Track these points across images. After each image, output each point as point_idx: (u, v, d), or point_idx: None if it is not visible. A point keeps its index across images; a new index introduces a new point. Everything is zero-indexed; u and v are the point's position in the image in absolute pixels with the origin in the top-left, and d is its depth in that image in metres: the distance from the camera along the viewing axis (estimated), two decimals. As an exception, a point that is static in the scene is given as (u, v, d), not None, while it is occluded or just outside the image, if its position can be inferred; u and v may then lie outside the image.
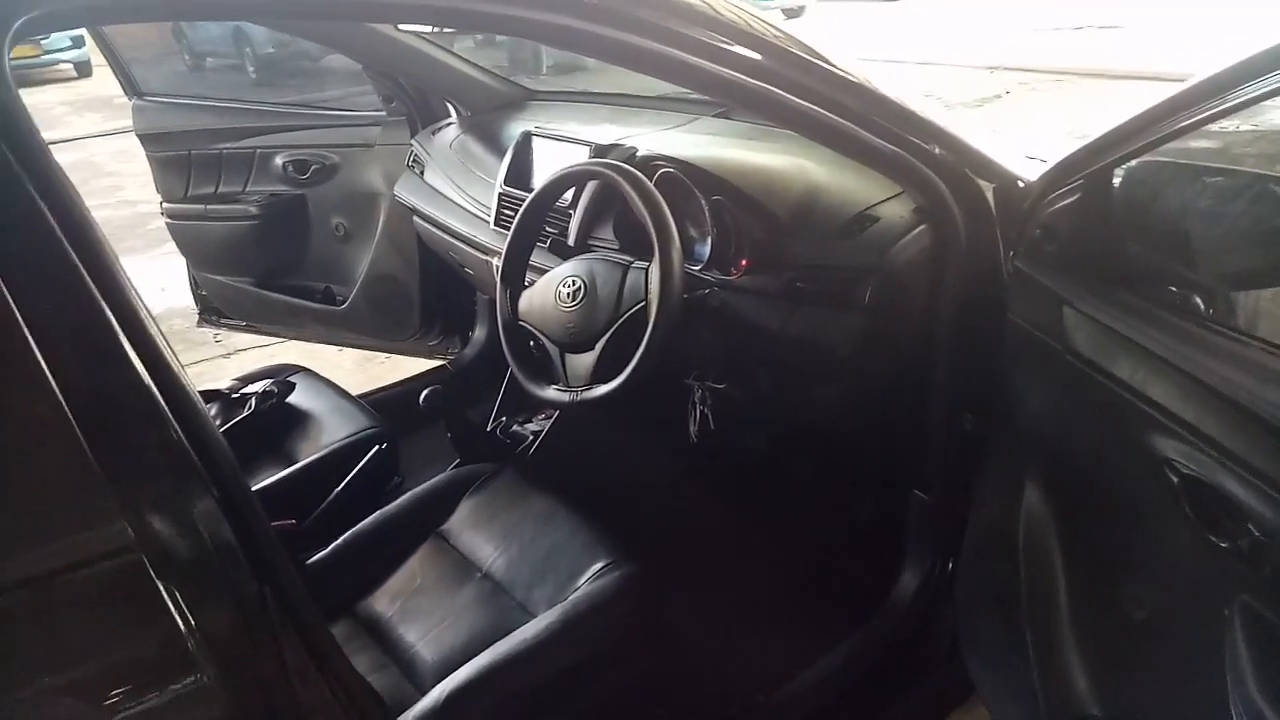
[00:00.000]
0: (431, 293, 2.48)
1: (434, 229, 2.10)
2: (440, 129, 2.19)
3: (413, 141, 2.23)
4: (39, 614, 0.62)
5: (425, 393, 1.78)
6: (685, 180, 1.42)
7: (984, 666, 1.28)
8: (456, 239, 1.99)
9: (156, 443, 0.66)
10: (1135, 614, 1.04)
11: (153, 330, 0.68)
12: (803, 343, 1.35)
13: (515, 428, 1.85)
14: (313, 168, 2.50)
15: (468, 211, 1.94)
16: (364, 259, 2.53)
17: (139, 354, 0.66)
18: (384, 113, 2.41)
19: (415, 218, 2.19)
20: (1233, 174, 1.00)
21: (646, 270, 1.32)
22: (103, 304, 0.65)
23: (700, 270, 1.42)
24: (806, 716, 1.39)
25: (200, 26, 8.12)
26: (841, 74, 1.16)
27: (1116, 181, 1.04)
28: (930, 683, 1.44)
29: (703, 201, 1.40)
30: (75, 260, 0.64)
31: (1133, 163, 1.00)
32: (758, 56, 1.09)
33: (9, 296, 0.60)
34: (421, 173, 2.16)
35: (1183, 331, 0.95)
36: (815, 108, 1.14)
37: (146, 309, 0.68)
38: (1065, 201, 1.08)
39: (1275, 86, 0.81)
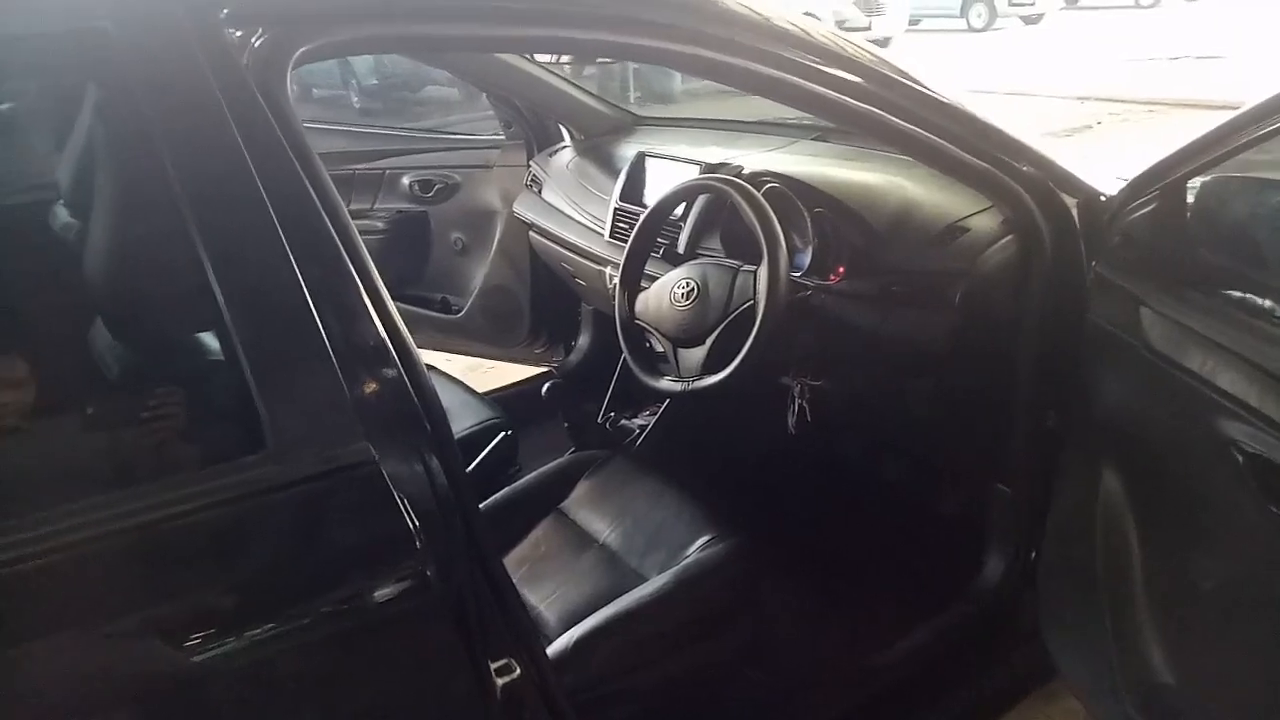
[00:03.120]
0: (540, 303, 2.67)
1: (550, 243, 2.29)
2: (556, 151, 2.39)
3: (531, 163, 2.43)
4: (304, 506, 0.80)
5: (547, 385, 1.96)
6: (789, 194, 1.57)
7: (1064, 644, 1.38)
8: (572, 251, 2.18)
9: (389, 383, 0.84)
10: (1204, 585, 1.14)
11: (387, 299, 0.86)
12: (896, 341, 1.48)
13: (624, 421, 2.02)
14: (436, 187, 2.74)
15: (583, 226, 2.13)
16: (480, 271, 2.74)
17: (379, 316, 0.85)
18: (503, 136, 2.64)
19: (531, 232, 2.39)
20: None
21: (755, 273, 1.47)
22: (356, 278, 0.84)
23: (801, 276, 1.57)
24: (889, 689, 1.50)
25: (312, 60, 8.65)
26: (933, 95, 1.30)
27: (1190, 192, 1.16)
28: (1012, 663, 1.53)
29: (805, 213, 1.55)
30: (338, 245, 0.83)
31: (1204, 176, 1.12)
32: (857, 79, 1.24)
33: (297, 270, 0.79)
34: (539, 191, 2.36)
35: (1249, 326, 1.06)
36: (911, 126, 1.27)
37: (383, 284, 0.87)
38: (1142, 211, 1.20)
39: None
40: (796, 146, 1.96)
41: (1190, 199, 1.17)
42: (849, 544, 1.64)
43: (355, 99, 8.02)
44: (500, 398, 2.39)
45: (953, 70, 10.37)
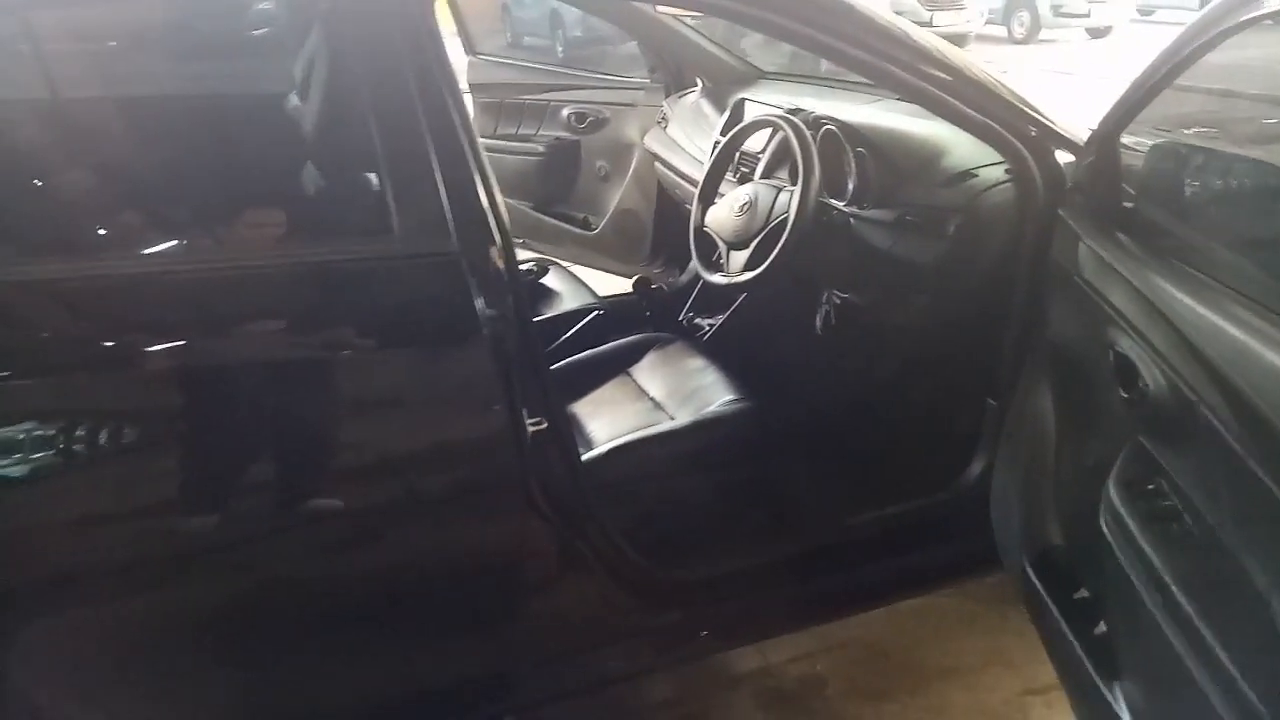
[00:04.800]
0: (662, 228, 3.07)
1: (669, 171, 2.70)
2: (685, 94, 2.79)
3: (664, 103, 2.84)
4: (410, 271, 1.26)
5: (636, 278, 2.39)
6: (839, 135, 1.90)
7: (996, 518, 1.68)
8: (682, 178, 2.57)
9: (476, 213, 1.28)
10: (1086, 463, 1.42)
11: (485, 166, 1.30)
12: (902, 261, 1.80)
13: (698, 320, 2.42)
14: (589, 119, 3.19)
15: (693, 157, 2.52)
16: (615, 195, 3.18)
17: (479, 174, 1.29)
18: (648, 80, 3.06)
19: (656, 163, 2.80)
20: (1198, 149, 1.35)
21: (793, 193, 1.82)
22: (466, 150, 1.28)
23: (845, 204, 1.90)
24: (868, 546, 1.83)
25: (526, 11, 9.36)
26: (958, 63, 1.60)
27: (1120, 148, 1.42)
28: (971, 543, 1.81)
29: (850, 152, 1.88)
30: (456, 125, 1.27)
31: (1128, 131, 1.39)
32: (899, 51, 1.55)
33: (429, 139, 1.24)
34: (666, 127, 2.76)
35: (1141, 258, 1.33)
36: (936, 89, 1.58)
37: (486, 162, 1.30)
38: (1087, 162, 1.47)
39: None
40: (880, 104, 2.25)
41: (1123, 153, 1.43)
42: (852, 428, 1.97)
43: (560, 49, 8.62)
44: (610, 298, 2.84)
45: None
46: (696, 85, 2.81)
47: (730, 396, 1.88)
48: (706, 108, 2.62)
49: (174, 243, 1.33)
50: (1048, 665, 1.67)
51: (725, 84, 2.71)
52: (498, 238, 1.31)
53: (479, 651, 1.51)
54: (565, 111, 3.24)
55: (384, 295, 1.28)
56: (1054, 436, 1.54)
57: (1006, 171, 1.69)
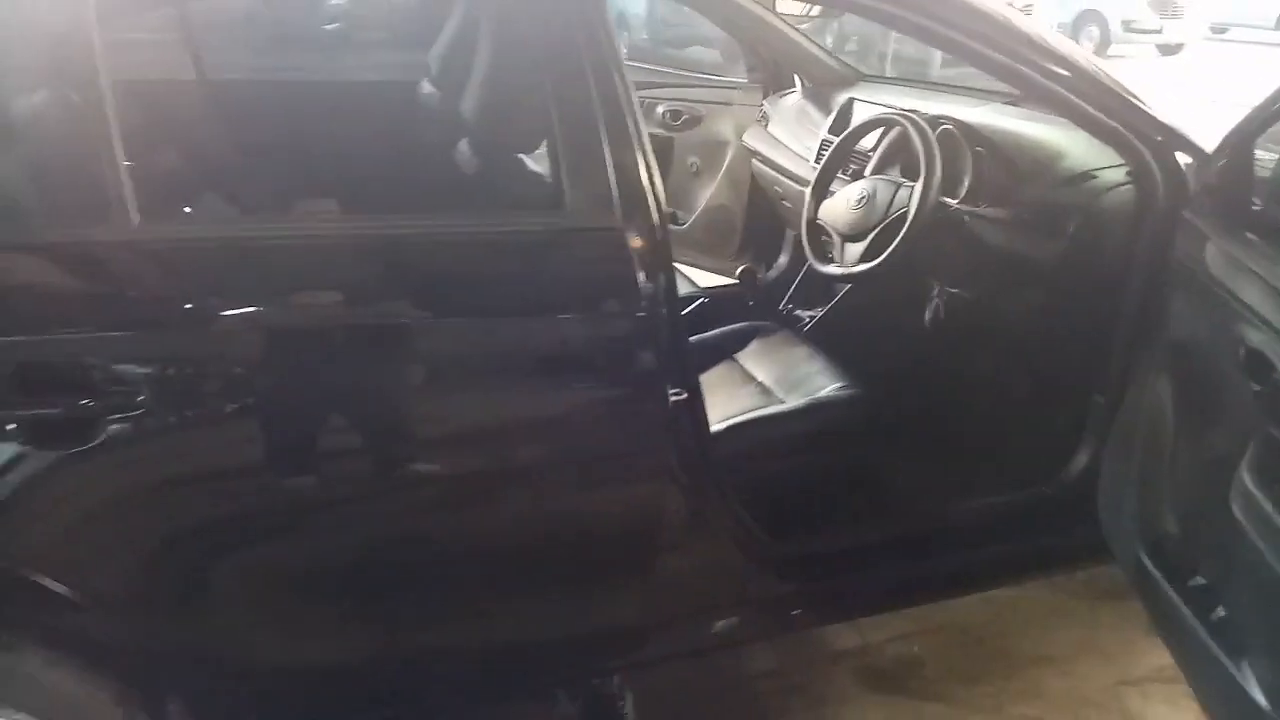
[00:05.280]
0: (752, 224, 3.15)
1: (768, 169, 2.77)
2: (786, 94, 2.86)
3: (764, 102, 2.92)
4: (580, 245, 1.35)
5: (741, 269, 2.46)
6: (958, 135, 1.96)
7: (1106, 507, 1.72)
8: (784, 175, 2.65)
9: (638, 192, 1.37)
10: (1208, 456, 1.47)
11: (648, 151, 1.38)
12: (1017, 258, 1.85)
13: (798, 312, 2.49)
14: (683, 117, 3.27)
15: (796, 154, 2.59)
16: (706, 191, 3.26)
17: (643, 162, 1.37)
18: (745, 80, 3.13)
19: (754, 160, 2.88)
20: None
21: (912, 189, 1.89)
22: (633, 137, 1.36)
23: (959, 201, 1.96)
24: (969, 533, 1.88)
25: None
26: (1086, 66, 1.65)
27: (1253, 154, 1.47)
28: (1073, 535, 1.86)
29: (968, 151, 1.94)
30: (625, 113, 1.36)
31: (1261, 137, 1.43)
32: (1034, 54, 1.62)
33: (602, 125, 1.33)
34: (766, 125, 2.84)
35: (1271, 256, 1.38)
36: (1063, 90, 1.64)
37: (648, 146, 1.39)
38: (1219, 165, 1.52)
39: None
40: (987, 107, 2.31)
41: (1253, 156, 1.48)
42: (956, 418, 2.03)
43: (624, 50, 8.77)
44: (712, 288, 2.92)
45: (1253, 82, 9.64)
46: (795, 85, 2.88)
47: (838, 383, 1.95)
48: (810, 108, 2.69)
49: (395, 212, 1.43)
50: (1142, 657, 1.72)
51: (826, 84, 2.77)
52: (655, 215, 1.40)
53: (610, 606, 1.59)
54: (660, 109, 3.32)
55: (553, 265, 1.37)
56: (1172, 430, 1.59)
57: (1128, 174, 1.73)
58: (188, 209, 1.41)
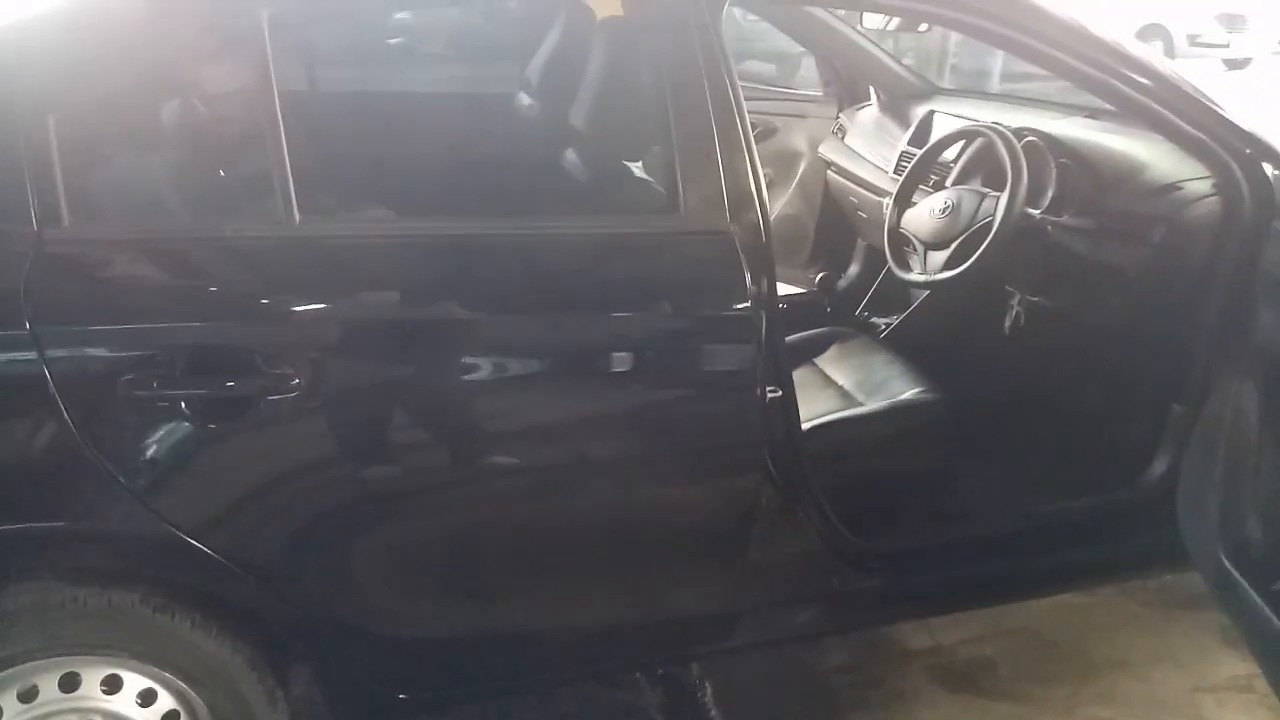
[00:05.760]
0: (824, 234, 3.20)
1: (844, 180, 2.83)
2: (863, 107, 2.92)
3: (840, 114, 2.98)
4: (692, 246, 1.44)
5: (821, 275, 2.53)
6: (1042, 146, 2.00)
7: (1186, 513, 1.74)
8: (861, 186, 2.70)
9: (757, 246, 1.44)
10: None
11: (756, 163, 1.45)
12: (1100, 266, 1.89)
13: (874, 319, 2.54)
14: (759, 129, 3.32)
15: (874, 165, 2.65)
16: (780, 200, 3.32)
17: (750, 171, 1.44)
18: (820, 94, 3.20)
19: (829, 171, 2.94)
20: None
21: (998, 198, 1.94)
22: (743, 145, 1.44)
23: (1043, 211, 2.00)
24: (1047, 536, 1.91)
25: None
26: (1171, 78, 1.69)
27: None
28: (1152, 540, 1.88)
29: (1052, 162, 1.98)
30: (737, 123, 1.43)
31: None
32: (1121, 65, 1.66)
33: (715, 135, 1.41)
34: (843, 137, 2.90)
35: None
36: (1149, 101, 1.68)
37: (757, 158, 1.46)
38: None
39: None
40: (1069, 120, 2.35)
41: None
42: (1035, 424, 2.06)
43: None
44: (789, 295, 2.98)
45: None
46: (871, 98, 2.94)
47: (918, 388, 2.00)
48: (887, 120, 2.75)
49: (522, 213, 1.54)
50: (1217, 666, 1.74)
51: (902, 97, 2.83)
52: (761, 220, 1.47)
53: (702, 592, 1.66)
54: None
55: (668, 265, 1.46)
56: (1256, 436, 1.61)
57: (1214, 185, 1.76)
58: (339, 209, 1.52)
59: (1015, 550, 1.89)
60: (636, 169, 1.66)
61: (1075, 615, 2.07)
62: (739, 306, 1.44)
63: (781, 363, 1.56)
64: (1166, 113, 1.68)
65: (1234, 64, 12.96)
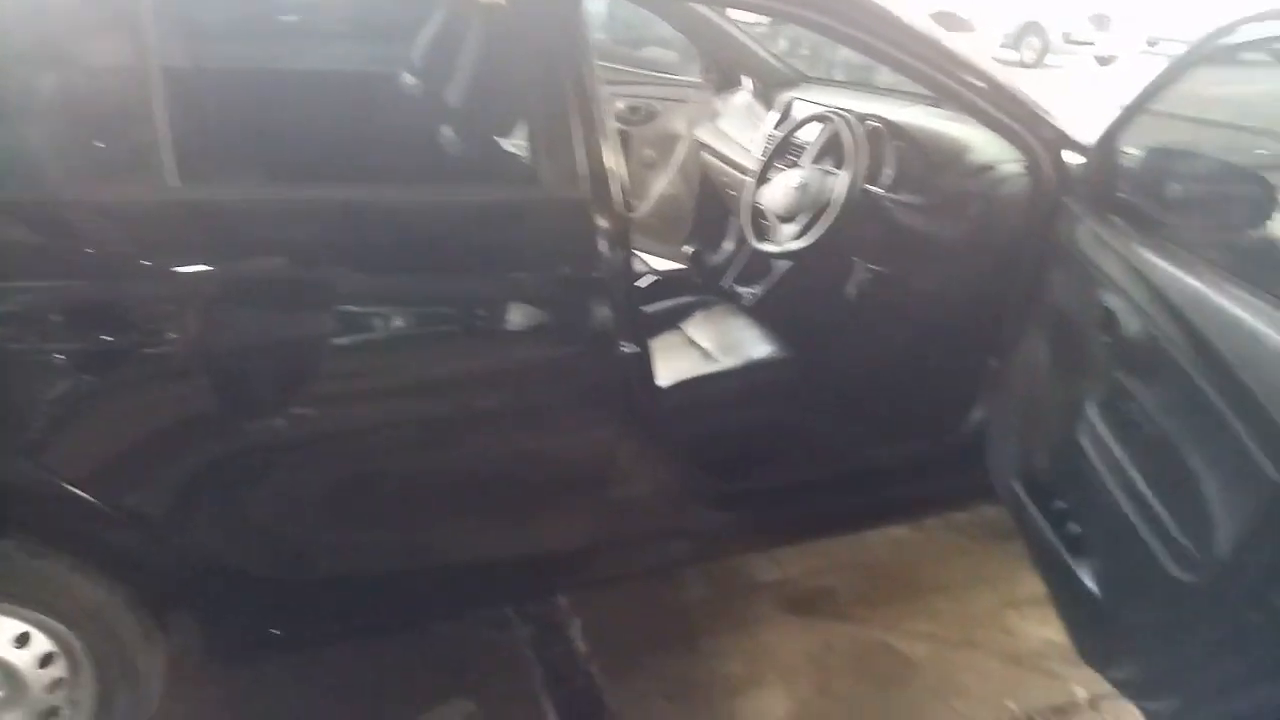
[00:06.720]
0: (701, 214, 3.40)
1: (717, 160, 3.03)
2: (736, 92, 3.13)
3: (715, 99, 3.18)
4: (547, 215, 1.58)
5: (689, 249, 2.72)
6: (883, 130, 2.23)
7: (991, 451, 2.00)
8: (731, 166, 2.91)
9: (611, 215, 1.58)
10: (1071, 399, 1.75)
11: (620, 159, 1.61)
12: (927, 238, 2.13)
13: (739, 289, 2.75)
14: (641, 111, 3.52)
15: (743, 147, 2.86)
16: (660, 182, 3.50)
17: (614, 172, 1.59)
18: (699, 80, 3.39)
19: (703, 153, 3.14)
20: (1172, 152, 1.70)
21: (840, 177, 2.16)
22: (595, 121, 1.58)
23: (882, 189, 2.23)
24: (882, 476, 2.14)
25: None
26: (990, 75, 1.93)
27: (1116, 151, 1.76)
28: (969, 476, 2.13)
29: (891, 145, 2.21)
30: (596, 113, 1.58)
31: (1123, 136, 1.72)
32: (947, 61, 1.88)
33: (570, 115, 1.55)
34: (717, 121, 3.10)
35: (1128, 233, 1.67)
36: (971, 94, 1.90)
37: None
38: (1093, 160, 1.81)
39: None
40: (913, 108, 2.59)
41: (1116, 154, 1.77)
42: (875, 378, 2.30)
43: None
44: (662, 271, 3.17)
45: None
46: (744, 85, 3.14)
47: (771, 348, 2.21)
48: (757, 105, 2.96)
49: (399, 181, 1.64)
50: (1022, 585, 2.01)
51: (772, 85, 3.04)
52: (617, 191, 1.62)
53: (570, 529, 1.82)
54: (620, 104, 3.56)
55: (528, 230, 1.60)
56: (1047, 382, 1.87)
57: (1025, 167, 2.01)
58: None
59: (854, 488, 2.12)
60: (505, 144, 1.79)
61: (905, 548, 2.32)
62: (594, 270, 1.59)
63: (637, 322, 1.73)
64: (985, 105, 1.91)
65: (1103, 60, 13.96)
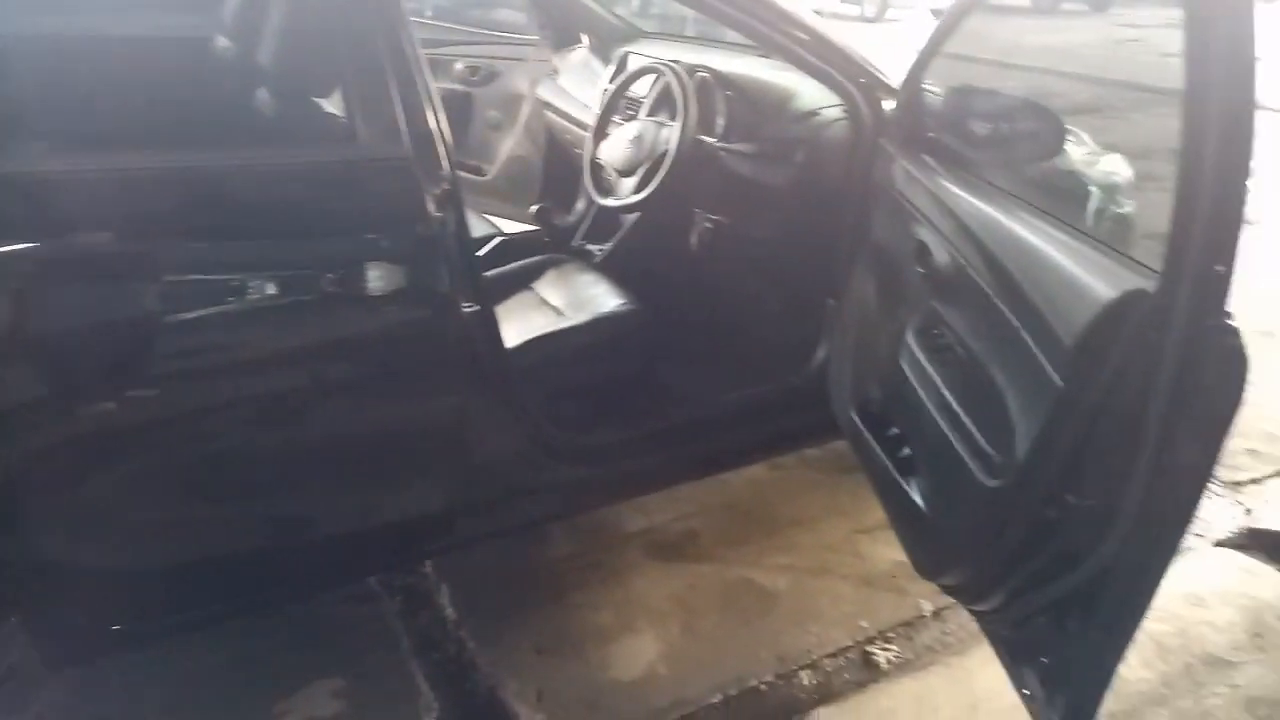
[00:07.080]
0: (550, 173, 3.39)
1: (559, 118, 3.02)
2: (574, 49, 3.12)
3: (554, 56, 3.16)
4: (375, 177, 1.54)
5: (537, 208, 2.71)
6: (712, 82, 2.28)
7: (831, 385, 2.11)
8: (573, 123, 2.90)
9: (438, 173, 1.56)
10: (893, 329, 1.85)
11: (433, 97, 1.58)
12: (760, 185, 2.20)
13: (589, 247, 2.77)
14: (481, 71, 3.46)
15: (583, 104, 2.86)
16: (507, 144, 3.47)
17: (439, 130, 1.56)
18: (538, 37, 3.36)
19: (547, 111, 3.12)
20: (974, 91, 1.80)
21: (673, 128, 2.19)
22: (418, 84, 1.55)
23: (717, 140, 2.28)
24: (734, 419, 2.22)
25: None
26: (809, 25, 1.99)
27: (920, 90, 1.86)
28: (813, 415, 2.24)
29: (721, 96, 2.26)
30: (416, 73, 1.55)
31: (925, 75, 1.82)
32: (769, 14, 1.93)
33: (390, 79, 1.52)
34: (557, 78, 3.09)
35: (936, 170, 1.76)
36: (791, 44, 1.96)
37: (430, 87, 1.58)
38: (900, 100, 1.90)
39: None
40: (743, 58, 2.64)
41: (922, 93, 1.86)
42: (721, 326, 2.37)
43: (429, 11, 8.75)
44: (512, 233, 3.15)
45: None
46: (582, 41, 3.14)
47: (621, 302, 2.23)
48: (594, 61, 2.96)
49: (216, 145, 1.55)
50: (873, 512, 2.12)
51: (609, 40, 3.05)
52: (441, 149, 1.60)
53: (423, 497, 1.81)
54: (458, 65, 3.50)
55: (351, 192, 1.56)
56: (874, 316, 1.97)
57: (844, 111, 2.10)
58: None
59: (709, 434, 2.19)
60: (324, 104, 1.73)
61: (764, 488, 2.42)
62: (422, 229, 1.57)
63: (476, 278, 1.72)
64: (803, 52, 1.98)
65: (938, 14, 14.59)
